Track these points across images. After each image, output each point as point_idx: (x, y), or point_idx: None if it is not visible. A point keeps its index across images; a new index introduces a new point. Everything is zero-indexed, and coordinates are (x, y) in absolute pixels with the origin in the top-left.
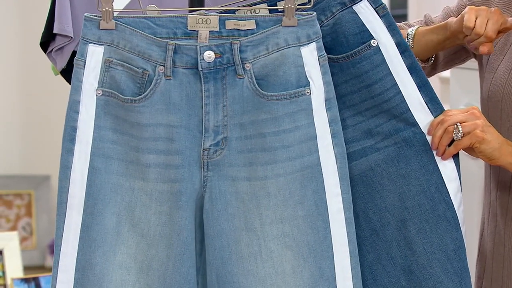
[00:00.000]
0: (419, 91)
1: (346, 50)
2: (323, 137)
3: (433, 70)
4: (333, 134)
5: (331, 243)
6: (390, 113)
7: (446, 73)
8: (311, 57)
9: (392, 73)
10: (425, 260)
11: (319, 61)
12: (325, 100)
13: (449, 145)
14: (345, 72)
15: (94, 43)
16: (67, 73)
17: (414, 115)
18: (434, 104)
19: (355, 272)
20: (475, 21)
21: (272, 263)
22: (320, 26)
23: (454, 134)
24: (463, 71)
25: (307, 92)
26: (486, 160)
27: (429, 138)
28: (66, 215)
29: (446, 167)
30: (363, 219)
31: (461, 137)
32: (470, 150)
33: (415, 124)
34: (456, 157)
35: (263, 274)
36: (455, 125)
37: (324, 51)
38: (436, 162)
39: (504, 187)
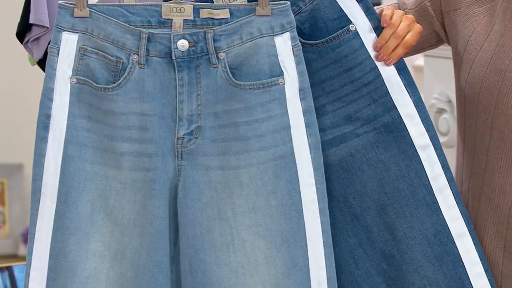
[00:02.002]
0: (398, 74)
1: (324, 35)
2: (297, 127)
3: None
4: (307, 124)
5: (305, 233)
6: (369, 98)
7: (420, 62)
8: (285, 46)
9: (372, 56)
10: (406, 245)
11: (293, 51)
12: (299, 90)
13: None
14: (324, 57)
15: (68, 31)
16: (44, 63)
17: (393, 99)
18: (411, 88)
19: (329, 262)
20: (392, 15)
21: (245, 252)
22: (299, 12)
23: None
24: (436, 60)
25: (281, 82)
26: None
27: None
28: (40, 202)
29: (426, 152)
30: (343, 204)
31: None
32: None
33: (394, 108)
34: (437, 141)
35: (235, 263)
36: None
37: (299, 41)
38: (415, 147)
39: (477, 179)
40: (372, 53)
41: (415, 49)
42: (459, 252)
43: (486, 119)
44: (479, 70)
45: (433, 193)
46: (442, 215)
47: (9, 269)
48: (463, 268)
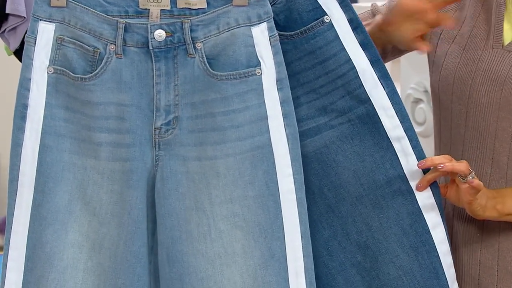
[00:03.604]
0: (372, 66)
1: (299, 27)
2: (274, 117)
3: (383, 59)
4: (285, 115)
5: (282, 223)
6: (344, 90)
7: None
8: (262, 37)
9: (346, 48)
10: (382, 235)
11: (270, 41)
12: (277, 81)
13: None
14: (299, 49)
15: (45, 21)
16: (20, 53)
17: (367, 91)
18: (386, 80)
19: (306, 252)
20: None
21: (222, 243)
22: (274, 4)
23: (470, 175)
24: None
25: (258, 72)
26: (471, 215)
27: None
28: (17, 192)
29: (400, 143)
30: (318, 196)
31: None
32: (456, 199)
33: (368, 100)
34: (412, 132)
35: (212, 254)
36: (470, 171)
37: (276, 31)
38: (389, 139)
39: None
40: (346, 45)
41: (394, 55)
42: (434, 242)
43: (461, 109)
44: (452, 62)
45: (409, 183)
46: (418, 205)
47: None
48: (438, 258)
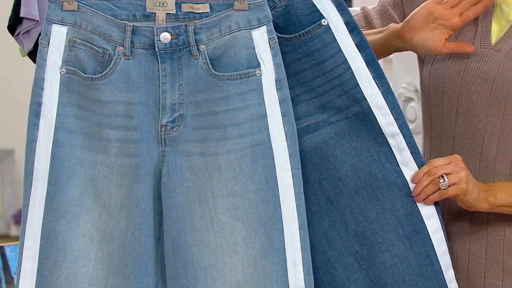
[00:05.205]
0: (367, 67)
1: (298, 30)
2: (273, 115)
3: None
4: (283, 113)
5: (281, 216)
6: (341, 89)
7: None
8: (261, 39)
9: (342, 50)
10: (378, 225)
11: (269, 44)
12: (276, 81)
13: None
14: (298, 51)
15: (57, 24)
16: (34, 54)
17: (362, 90)
18: (380, 79)
19: (304, 243)
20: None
21: (224, 234)
22: (274, 8)
23: (440, 183)
24: (404, 52)
25: (258, 73)
26: (464, 207)
27: (411, 185)
28: (32, 186)
29: (395, 139)
30: (318, 188)
31: (447, 186)
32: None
33: (363, 99)
34: (406, 129)
35: (214, 245)
36: (441, 176)
37: (275, 34)
38: (384, 135)
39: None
40: (343, 47)
41: (384, 54)
42: (428, 232)
43: (451, 106)
44: (442, 61)
45: (404, 176)
46: (412, 197)
47: (1, 249)
48: (432, 246)
